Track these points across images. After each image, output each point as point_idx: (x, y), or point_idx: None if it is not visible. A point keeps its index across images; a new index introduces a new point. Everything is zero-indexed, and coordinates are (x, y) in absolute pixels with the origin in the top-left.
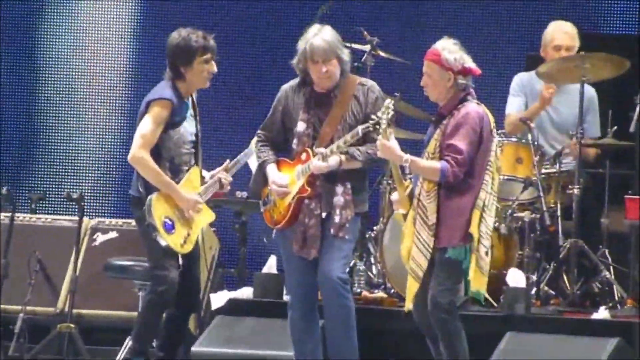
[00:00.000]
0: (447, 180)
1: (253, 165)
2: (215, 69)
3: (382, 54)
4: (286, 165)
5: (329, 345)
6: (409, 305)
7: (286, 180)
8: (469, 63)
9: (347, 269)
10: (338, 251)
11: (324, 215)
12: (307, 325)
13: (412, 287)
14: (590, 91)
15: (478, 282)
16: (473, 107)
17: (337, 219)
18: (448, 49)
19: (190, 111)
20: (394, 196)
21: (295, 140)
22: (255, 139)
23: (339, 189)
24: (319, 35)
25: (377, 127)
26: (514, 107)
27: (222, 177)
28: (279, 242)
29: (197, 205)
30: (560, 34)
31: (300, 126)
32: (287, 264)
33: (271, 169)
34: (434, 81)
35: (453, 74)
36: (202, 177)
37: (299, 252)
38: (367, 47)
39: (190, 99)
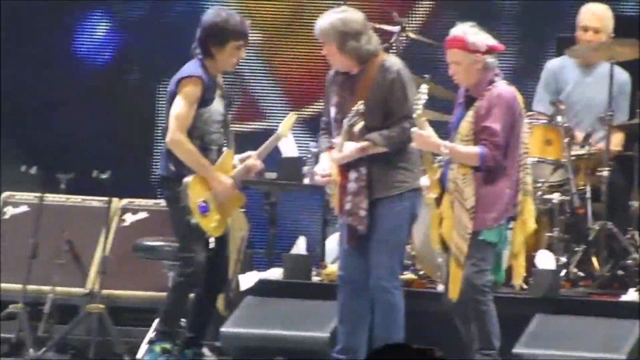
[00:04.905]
0: (487, 164)
1: (283, 148)
2: (244, 55)
3: (412, 35)
4: None
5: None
6: (455, 294)
7: (329, 169)
8: (492, 41)
9: (397, 254)
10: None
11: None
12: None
13: (456, 274)
14: (622, 75)
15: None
16: (504, 88)
17: (348, 206)
18: (470, 32)
19: (218, 91)
20: (424, 180)
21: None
22: (285, 120)
23: (352, 175)
24: (325, 17)
25: (357, 118)
26: (539, 106)
27: (251, 164)
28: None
29: (232, 191)
30: (588, 14)
31: (333, 112)
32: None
33: (322, 158)
34: (465, 67)
35: (482, 56)
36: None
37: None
38: (397, 29)
39: (216, 79)
